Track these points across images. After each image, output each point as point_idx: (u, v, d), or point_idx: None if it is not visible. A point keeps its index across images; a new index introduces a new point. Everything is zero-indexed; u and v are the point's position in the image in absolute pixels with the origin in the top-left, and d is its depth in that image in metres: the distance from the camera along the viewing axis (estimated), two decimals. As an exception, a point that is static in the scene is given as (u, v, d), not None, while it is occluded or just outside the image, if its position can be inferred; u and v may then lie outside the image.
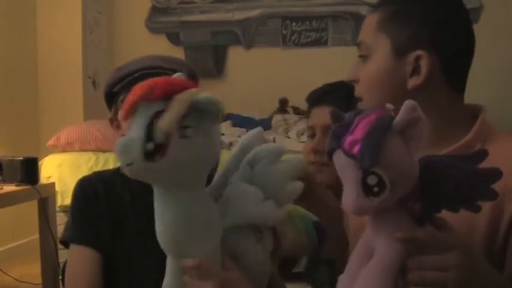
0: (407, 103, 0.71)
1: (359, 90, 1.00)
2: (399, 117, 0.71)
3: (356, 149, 0.69)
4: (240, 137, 3.23)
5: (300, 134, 3.21)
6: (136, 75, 1.13)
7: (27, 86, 3.89)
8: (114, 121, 1.22)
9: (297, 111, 3.97)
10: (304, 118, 3.80)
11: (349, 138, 0.71)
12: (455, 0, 0.98)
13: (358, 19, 4.11)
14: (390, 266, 0.72)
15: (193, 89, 0.69)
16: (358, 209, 0.72)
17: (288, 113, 3.88)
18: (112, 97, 1.20)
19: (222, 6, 4.36)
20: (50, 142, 3.15)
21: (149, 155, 0.66)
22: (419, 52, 0.92)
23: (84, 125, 3.24)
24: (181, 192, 0.71)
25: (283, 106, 4.02)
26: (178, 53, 4.33)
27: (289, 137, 3.20)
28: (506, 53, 4.00)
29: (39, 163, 2.76)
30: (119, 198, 1.18)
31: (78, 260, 1.15)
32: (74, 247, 1.17)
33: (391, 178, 0.70)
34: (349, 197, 0.72)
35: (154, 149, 0.66)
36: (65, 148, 3.14)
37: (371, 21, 0.98)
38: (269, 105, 4.01)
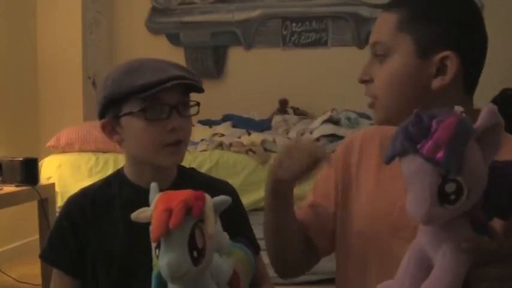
0: (490, 108, 0.69)
1: (373, 90, 0.99)
2: (480, 123, 0.69)
3: (440, 155, 0.66)
4: (240, 137, 3.23)
5: (300, 135, 3.20)
6: (169, 85, 1.08)
7: (27, 86, 3.89)
8: (108, 126, 1.14)
9: (297, 111, 3.98)
10: (304, 119, 3.82)
11: (430, 143, 0.67)
12: (472, 2, 0.98)
13: (358, 20, 4.11)
14: (458, 278, 0.70)
15: (206, 195, 0.83)
16: (429, 217, 0.69)
17: (288, 114, 3.88)
18: (114, 102, 1.12)
19: (222, 6, 4.36)
20: (50, 143, 3.15)
21: (196, 261, 0.79)
22: (446, 53, 0.92)
23: (84, 125, 3.24)
24: (203, 279, 0.85)
25: (283, 107, 4.03)
26: (178, 53, 4.34)
27: (289, 138, 3.20)
28: (506, 53, 4.00)
29: (39, 164, 2.76)
30: (107, 215, 1.16)
31: (56, 282, 1.18)
32: (54, 269, 1.18)
33: (468, 186, 0.67)
34: (421, 204, 0.68)
35: (198, 254, 0.79)
36: (65, 149, 3.14)
37: (388, 20, 0.97)
38: (269, 105, 4.02)
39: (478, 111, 1.00)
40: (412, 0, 0.98)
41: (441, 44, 0.92)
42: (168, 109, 1.11)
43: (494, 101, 3.57)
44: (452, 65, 0.92)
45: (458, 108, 0.72)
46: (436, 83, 0.93)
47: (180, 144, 1.14)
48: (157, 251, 0.80)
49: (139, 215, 0.84)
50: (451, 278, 0.70)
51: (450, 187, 0.67)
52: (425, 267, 0.73)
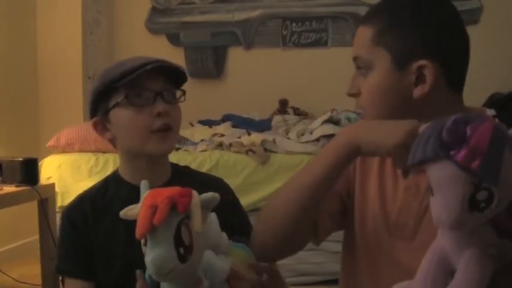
0: None
1: (361, 103, 1.00)
2: None
3: (476, 164, 0.64)
4: (240, 137, 3.23)
5: (300, 135, 3.20)
6: (149, 67, 1.10)
7: (27, 86, 3.89)
8: (100, 124, 1.17)
9: (297, 112, 3.98)
10: (304, 119, 3.81)
11: (465, 151, 0.65)
12: (445, 2, 0.97)
13: (358, 20, 4.11)
14: (481, 284, 0.69)
15: (194, 191, 0.82)
16: (458, 223, 0.68)
17: (288, 114, 3.88)
18: (103, 97, 1.15)
19: (222, 6, 4.36)
20: (50, 143, 3.15)
21: (183, 258, 0.79)
22: (422, 62, 0.92)
23: (84, 125, 3.24)
24: (193, 277, 0.84)
25: (283, 107, 4.02)
26: (178, 53, 4.34)
27: (289, 138, 3.20)
28: (506, 53, 4.00)
29: (39, 164, 2.76)
30: (107, 216, 1.16)
31: None
32: (67, 279, 1.18)
33: (499, 195, 0.66)
34: (452, 210, 0.67)
35: (184, 251, 0.79)
36: (65, 149, 3.14)
37: (364, 35, 0.97)
38: (269, 106, 4.01)
39: (471, 109, 1.00)
40: (384, 13, 0.98)
41: (416, 53, 0.93)
42: (153, 95, 1.12)
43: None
44: (430, 73, 0.92)
45: (490, 112, 0.71)
46: (417, 92, 0.93)
47: (168, 130, 1.15)
48: (145, 248, 0.81)
49: (128, 212, 0.84)
50: (475, 284, 0.68)
51: (482, 195, 0.66)
52: (447, 271, 0.72)
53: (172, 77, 1.17)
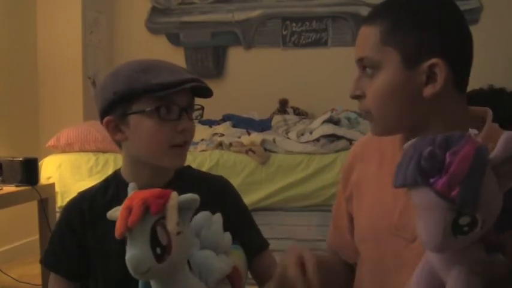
0: (508, 137, 0.66)
1: (366, 105, 0.97)
2: (498, 153, 0.66)
3: (455, 192, 0.63)
4: (240, 137, 3.23)
5: (300, 135, 3.20)
6: (188, 86, 1.09)
7: (27, 86, 3.89)
8: (112, 123, 1.13)
9: (297, 111, 3.98)
10: (304, 119, 3.82)
11: (444, 179, 0.64)
12: (451, 3, 0.97)
13: (358, 20, 4.11)
14: None
15: (173, 193, 0.83)
16: (442, 247, 0.68)
17: (288, 114, 3.88)
18: (127, 98, 1.10)
19: (222, 6, 4.36)
20: (50, 143, 3.15)
21: (160, 258, 0.80)
22: (434, 60, 0.91)
23: (84, 125, 3.24)
24: (178, 275, 0.87)
25: (283, 107, 4.02)
26: (178, 53, 4.34)
27: (289, 138, 3.20)
28: (506, 53, 4.00)
29: (39, 164, 2.76)
30: (106, 217, 1.16)
31: (54, 287, 1.19)
32: (52, 273, 1.19)
33: (483, 217, 0.66)
34: (434, 235, 0.67)
35: (161, 251, 0.80)
36: (65, 149, 3.14)
37: (370, 35, 0.95)
38: (269, 105, 4.02)
39: (477, 110, 1.00)
40: (391, 12, 0.96)
41: (426, 52, 0.91)
42: (179, 110, 1.11)
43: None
44: (441, 71, 0.91)
45: (472, 131, 0.70)
46: (428, 91, 0.92)
47: (185, 145, 1.15)
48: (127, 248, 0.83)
49: (112, 214, 0.87)
50: None
51: (464, 220, 0.66)
52: (437, 285, 0.72)
53: (195, 89, 1.16)
